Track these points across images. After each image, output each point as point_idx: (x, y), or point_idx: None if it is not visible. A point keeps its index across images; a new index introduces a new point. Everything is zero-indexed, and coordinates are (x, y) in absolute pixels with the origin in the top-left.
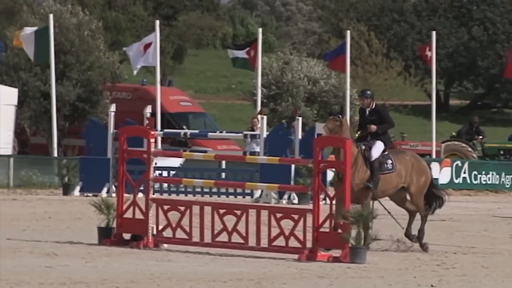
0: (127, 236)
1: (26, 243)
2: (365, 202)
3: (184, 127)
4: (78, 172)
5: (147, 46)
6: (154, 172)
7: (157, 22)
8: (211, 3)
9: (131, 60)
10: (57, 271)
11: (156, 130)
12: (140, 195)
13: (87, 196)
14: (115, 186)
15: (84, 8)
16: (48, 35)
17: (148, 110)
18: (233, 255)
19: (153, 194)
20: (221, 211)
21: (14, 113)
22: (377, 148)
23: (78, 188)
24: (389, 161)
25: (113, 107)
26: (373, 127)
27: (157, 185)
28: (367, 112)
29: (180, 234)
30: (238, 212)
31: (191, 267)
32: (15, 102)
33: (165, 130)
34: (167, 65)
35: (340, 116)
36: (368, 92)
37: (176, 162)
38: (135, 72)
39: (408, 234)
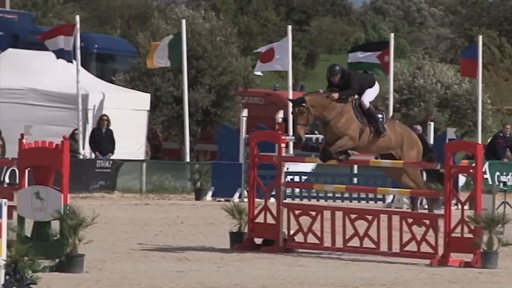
0: (258, 241)
1: (158, 248)
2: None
3: (316, 132)
4: (210, 177)
5: (271, 51)
6: (285, 177)
7: (289, 27)
8: (343, 8)
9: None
10: (189, 276)
11: (288, 135)
12: (272, 200)
13: (219, 201)
14: (247, 191)
15: (217, 14)
16: (181, 41)
17: (280, 115)
18: (365, 260)
19: (285, 199)
20: (353, 216)
21: (146, 118)
22: (367, 96)
23: (210, 193)
24: (380, 115)
25: (245, 112)
26: (335, 95)
27: (288, 190)
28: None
29: (311, 239)
30: (370, 217)
31: (322, 272)
32: (148, 107)
33: None
34: (299, 70)
35: (303, 104)
36: (337, 68)
37: (308, 167)
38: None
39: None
